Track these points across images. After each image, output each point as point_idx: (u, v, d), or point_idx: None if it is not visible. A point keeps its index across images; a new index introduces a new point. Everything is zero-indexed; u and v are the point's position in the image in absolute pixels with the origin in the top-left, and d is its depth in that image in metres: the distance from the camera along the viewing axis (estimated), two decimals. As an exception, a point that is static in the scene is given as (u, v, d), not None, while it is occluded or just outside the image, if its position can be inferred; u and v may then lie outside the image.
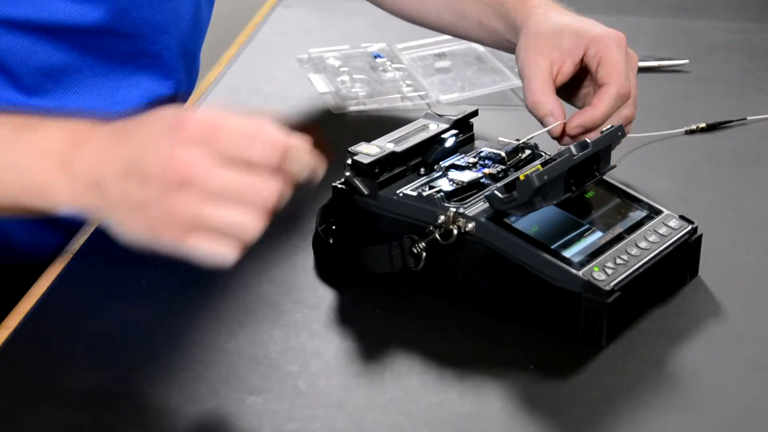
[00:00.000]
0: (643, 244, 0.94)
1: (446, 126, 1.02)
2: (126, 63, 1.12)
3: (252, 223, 0.81)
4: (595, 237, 0.94)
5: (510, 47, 1.18)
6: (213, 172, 0.80)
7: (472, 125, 1.05)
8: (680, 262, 0.96)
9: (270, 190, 0.81)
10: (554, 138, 1.08)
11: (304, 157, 0.83)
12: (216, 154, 0.80)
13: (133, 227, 0.83)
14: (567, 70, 1.10)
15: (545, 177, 0.89)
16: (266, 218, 0.82)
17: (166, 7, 1.12)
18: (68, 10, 1.05)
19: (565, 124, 1.07)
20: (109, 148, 0.83)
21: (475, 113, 1.05)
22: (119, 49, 1.10)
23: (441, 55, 1.42)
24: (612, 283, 0.89)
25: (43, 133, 0.85)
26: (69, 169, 0.84)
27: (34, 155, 0.85)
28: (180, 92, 1.19)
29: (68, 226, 1.08)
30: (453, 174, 0.97)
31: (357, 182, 0.95)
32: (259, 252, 1.01)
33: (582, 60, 1.10)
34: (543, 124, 1.08)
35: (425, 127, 1.01)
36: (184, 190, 0.80)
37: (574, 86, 1.12)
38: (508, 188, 0.91)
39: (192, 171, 0.80)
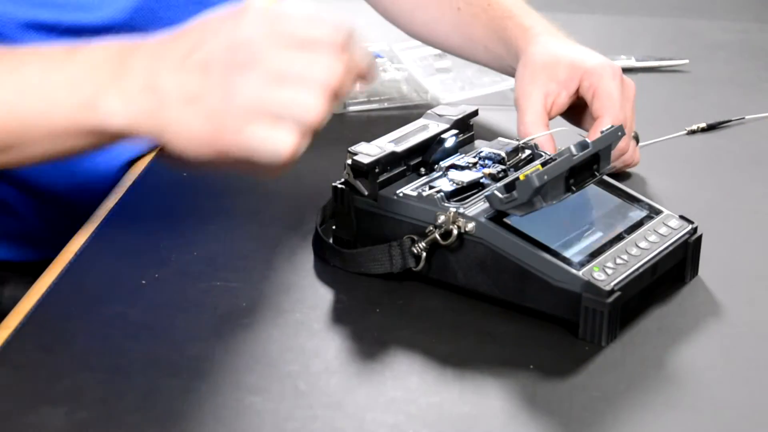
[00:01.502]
0: (643, 244, 0.94)
1: (446, 126, 1.02)
2: None
3: (315, 104, 0.80)
4: (595, 237, 0.94)
5: (514, 73, 1.18)
6: (274, 51, 0.79)
7: (472, 125, 1.05)
8: (680, 262, 0.96)
9: (333, 69, 0.80)
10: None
11: (363, 58, 0.82)
12: (278, 34, 0.79)
13: (190, 125, 0.81)
14: (562, 101, 1.11)
15: (545, 177, 0.89)
16: (329, 100, 0.80)
17: (194, 9, 1.12)
18: (96, 12, 1.05)
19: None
20: (165, 44, 0.82)
21: (475, 113, 1.05)
22: None
23: (441, 55, 1.42)
24: (612, 283, 0.89)
25: (97, 45, 0.84)
26: (121, 72, 0.82)
27: (87, 66, 0.84)
28: None
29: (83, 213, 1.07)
30: (453, 174, 0.97)
31: (357, 182, 0.95)
32: (259, 252, 1.01)
33: (577, 91, 1.10)
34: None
35: (425, 127, 1.01)
36: (245, 73, 0.79)
37: (579, 113, 1.13)
38: (508, 188, 0.91)
39: (253, 50, 0.79)
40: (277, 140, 0.80)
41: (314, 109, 0.80)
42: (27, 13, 1.04)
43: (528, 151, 1.02)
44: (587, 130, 1.13)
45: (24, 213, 1.14)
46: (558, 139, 1.08)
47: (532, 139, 1.03)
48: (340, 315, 0.93)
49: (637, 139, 1.13)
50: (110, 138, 0.85)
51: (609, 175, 0.99)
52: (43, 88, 0.84)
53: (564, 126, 1.09)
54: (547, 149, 1.06)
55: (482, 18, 1.22)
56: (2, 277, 1.12)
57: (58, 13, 1.04)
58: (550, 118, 1.11)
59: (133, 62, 0.82)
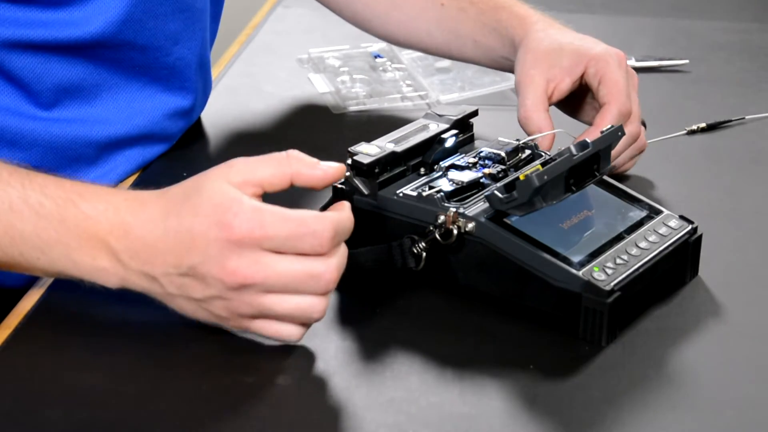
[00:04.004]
0: (643, 244, 0.94)
1: (446, 126, 1.02)
2: (140, 75, 1.12)
3: (317, 305, 0.84)
4: (595, 237, 0.93)
5: (506, 64, 1.18)
6: (269, 271, 0.82)
7: (472, 125, 1.05)
8: (680, 262, 0.96)
9: (329, 272, 0.83)
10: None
11: (349, 224, 0.85)
12: (268, 249, 0.82)
13: (196, 314, 0.86)
14: (564, 87, 1.10)
15: (545, 177, 0.89)
16: (329, 296, 0.85)
17: (180, 17, 1.12)
18: (84, 27, 1.05)
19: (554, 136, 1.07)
20: (156, 243, 0.84)
21: (475, 113, 1.05)
22: (134, 62, 1.11)
23: (441, 55, 1.42)
24: (612, 283, 0.89)
25: (85, 212, 0.86)
26: (118, 258, 0.85)
27: (80, 237, 0.86)
28: (196, 103, 1.19)
29: None
30: (453, 174, 0.97)
31: (357, 182, 0.95)
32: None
33: (582, 78, 1.10)
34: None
35: (425, 127, 1.01)
36: (244, 290, 0.83)
37: (578, 102, 1.13)
38: (508, 188, 0.91)
39: (249, 275, 0.82)
40: (284, 332, 0.86)
41: (317, 311, 0.85)
42: (15, 33, 1.04)
43: (528, 151, 1.02)
44: (584, 120, 1.13)
45: None
46: (557, 140, 1.08)
47: (534, 139, 1.03)
48: (340, 315, 0.93)
49: (644, 124, 1.13)
50: None
51: (609, 174, 0.99)
52: (37, 242, 0.86)
53: (562, 127, 1.08)
54: (546, 137, 1.06)
55: (470, 12, 1.21)
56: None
57: (47, 30, 1.04)
58: (551, 104, 1.10)
59: (127, 255, 0.85)
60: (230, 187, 0.83)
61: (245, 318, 0.85)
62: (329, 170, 0.86)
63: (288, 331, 0.85)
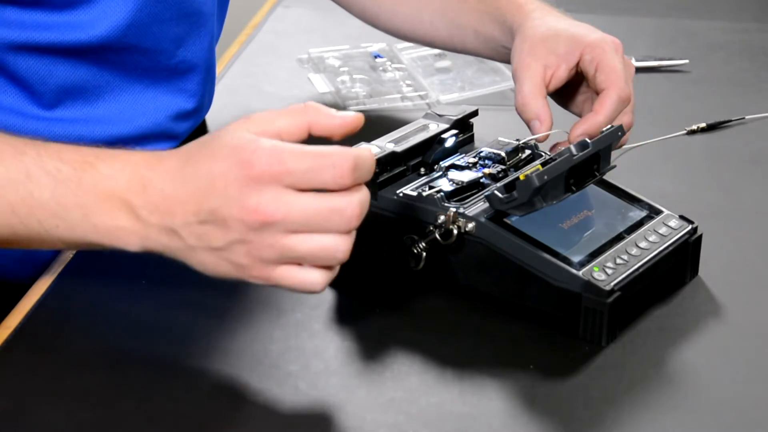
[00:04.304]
0: (643, 244, 0.94)
1: (446, 126, 1.02)
2: (143, 77, 1.12)
3: (341, 245, 0.81)
4: (595, 237, 0.93)
5: (506, 55, 1.17)
6: (291, 208, 0.80)
7: (472, 125, 1.05)
8: (680, 262, 0.96)
9: (351, 208, 0.81)
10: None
11: (370, 162, 0.83)
12: (289, 186, 0.80)
13: (216, 266, 0.83)
14: (561, 74, 1.09)
15: (545, 177, 0.89)
16: (353, 235, 0.82)
17: (185, 21, 1.12)
18: (89, 31, 1.05)
19: (552, 132, 1.06)
20: (175, 192, 0.82)
21: (475, 113, 1.05)
22: (137, 64, 1.11)
23: (441, 55, 1.42)
24: (612, 283, 0.89)
25: (102, 172, 0.84)
26: (137, 214, 0.83)
27: (98, 197, 0.84)
28: (201, 104, 1.19)
29: None
30: (453, 174, 0.97)
31: (357, 182, 0.95)
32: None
33: (577, 66, 1.09)
34: (529, 127, 1.07)
35: (425, 127, 1.01)
36: (266, 230, 0.80)
37: (571, 92, 1.12)
38: (508, 188, 0.91)
39: (270, 212, 0.80)
40: (307, 280, 0.82)
41: (341, 250, 0.82)
42: (20, 35, 1.04)
43: (528, 151, 1.02)
44: (575, 112, 1.12)
45: None
46: (557, 140, 1.08)
47: (532, 139, 1.03)
48: (340, 315, 0.93)
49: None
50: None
51: (609, 174, 0.99)
52: (55, 208, 0.85)
53: (560, 128, 1.08)
54: (544, 121, 1.05)
55: (471, 2, 1.21)
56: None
57: (52, 33, 1.05)
58: (549, 92, 1.09)
59: (146, 208, 0.83)
60: (248, 133, 0.82)
61: (267, 265, 0.82)
62: (347, 118, 0.84)
63: (311, 278, 0.82)
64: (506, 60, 1.18)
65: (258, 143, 0.80)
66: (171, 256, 0.84)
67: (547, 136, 1.05)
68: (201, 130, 1.24)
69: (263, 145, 0.80)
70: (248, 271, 0.82)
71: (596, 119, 1.04)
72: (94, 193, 0.84)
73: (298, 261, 0.81)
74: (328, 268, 0.82)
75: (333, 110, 0.84)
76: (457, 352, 0.88)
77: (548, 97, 1.09)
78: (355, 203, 0.81)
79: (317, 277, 0.82)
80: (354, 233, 0.82)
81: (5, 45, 1.04)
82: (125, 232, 0.84)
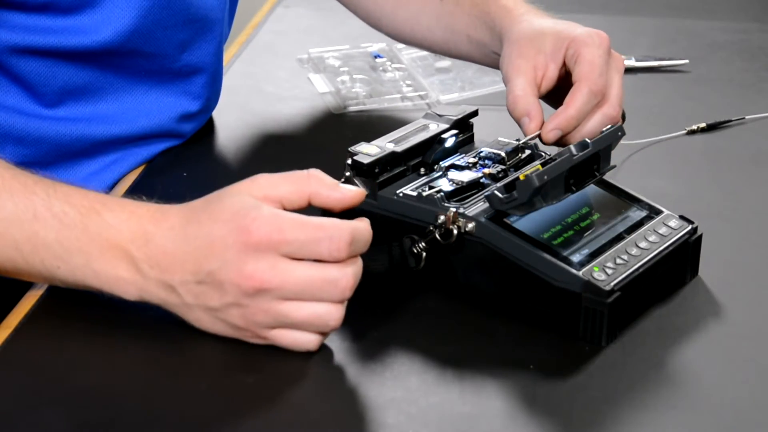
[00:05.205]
0: (643, 244, 0.94)
1: (446, 126, 1.02)
2: (146, 79, 1.13)
3: (334, 313, 0.84)
4: (595, 237, 0.94)
5: (497, 60, 1.16)
6: (287, 276, 0.83)
7: (472, 125, 1.05)
8: (680, 262, 0.96)
9: (345, 279, 0.84)
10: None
11: (367, 235, 0.85)
12: (286, 255, 0.82)
13: (213, 326, 0.86)
14: (551, 74, 1.08)
15: (545, 177, 0.89)
16: (345, 304, 0.85)
17: (190, 27, 1.12)
18: (93, 36, 1.06)
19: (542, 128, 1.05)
20: (176, 250, 0.84)
21: (475, 113, 1.05)
22: (141, 67, 1.11)
23: (441, 55, 1.42)
24: (612, 283, 0.89)
25: (107, 221, 0.86)
26: (137, 267, 0.85)
27: (101, 245, 0.86)
28: (206, 106, 1.20)
29: None
30: (453, 174, 0.97)
31: (357, 182, 0.95)
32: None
33: (565, 63, 1.08)
34: (520, 125, 1.06)
35: (425, 127, 1.01)
36: (261, 296, 0.83)
37: (564, 93, 1.11)
38: (508, 188, 0.91)
39: (266, 279, 0.82)
40: (301, 341, 0.85)
41: (333, 318, 0.85)
42: (25, 39, 1.04)
43: (528, 151, 1.02)
44: None
45: None
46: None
47: (532, 139, 1.03)
48: (340, 315, 0.93)
49: (623, 117, 1.10)
50: None
51: (609, 174, 0.99)
52: (58, 250, 0.87)
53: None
54: (533, 118, 1.04)
55: (465, 5, 1.20)
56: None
57: (57, 38, 1.05)
58: (541, 94, 1.08)
59: (147, 263, 0.85)
60: (251, 198, 0.84)
61: (262, 328, 0.85)
62: (348, 193, 0.86)
63: (305, 340, 0.85)
64: (498, 66, 1.17)
65: (259, 211, 0.83)
66: (168, 310, 0.87)
67: (539, 134, 1.05)
68: (207, 129, 1.24)
69: (263, 213, 0.83)
70: (243, 333, 0.85)
71: (567, 113, 1.04)
72: (98, 241, 0.86)
73: (292, 326, 0.84)
74: (322, 332, 0.86)
75: (334, 182, 0.87)
76: (457, 352, 0.88)
77: (543, 102, 1.09)
78: (350, 275, 0.84)
79: (311, 339, 0.85)
80: (346, 302, 0.85)
81: (8, 48, 1.05)
82: (124, 282, 0.86)
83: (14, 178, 0.89)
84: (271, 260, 0.82)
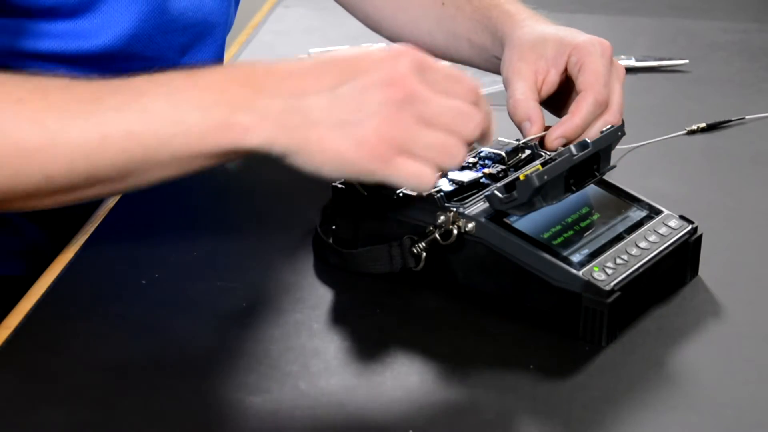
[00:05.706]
0: (643, 244, 0.94)
1: (446, 126, 1.01)
2: None
3: (458, 152, 0.85)
4: (595, 237, 0.94)
5: (498, 65, 1.16)
6: (429, 94, 0.84)
7: (472, 125, 1.04)
8: (680, 262, 0.96)
9: (476, 121, 0.86)
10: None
11: (489, 108, 0.88)
12: (429, 80, 0.84)
13: (337, 146, 0.83)
14: (552, 79, 1.08)
15: (545, 177, 0.89)
16: (467, 149, 0.86)
17: (190, 31, 1.12)
18: (94, 40, 1.06)
19: (545, 133, 1.05)
20: (307, 72, 0.84)
21: (475, 113, 1.05)
22: (140, 70, 1.11)
23: (441, 55, 1.42)
24: (612, 283, 0.89)
25: (213, 70, 0.86)
26: (257, 93, 0.83)
27: (215, 90, 0.84)
28: None
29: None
30: (453, 174, 0.97)
31: (357, 182, 0.95)
32: (259, 252, 1.01)
33: (566, 69, 1.08)
34: (520, 129, 1.06)
35: (425, 127, 1.01)
36: (402, 107, 0.83)
37: (564, 99, 1.11)
38: (508, 188, 0.91)
39: (415, 88, 0.83)
40: (422, 175, 0.85)
41: (456, 155, 0.85)
42: (26, 43, 1.04)
43: (528, 151, 1.02)
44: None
45: (26, 227, 1.15)
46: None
47: (532, 139, 1.03)
48: (340, 315, 0.93)
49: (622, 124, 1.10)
50: (237, 156, 0.86)
51: (609, 174, 0.99)
52: (172, 114, 0.84)
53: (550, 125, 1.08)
54: (534, 122, 1.04)
55: (466, 10, 1.21)
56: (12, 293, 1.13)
57: (58, 42, 1.05)
58: (542, 99, 1.08)
59: (269, 85, 0.84)
60: None
61: (390, 148, 0.83)
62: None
63: (424, 173, 0.84)
64: (499, 70, 1.17)
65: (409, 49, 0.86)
66: (282, 151, 0.84)
67: (539, 138, 1.05)
68: None
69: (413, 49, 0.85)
70: (369, 150, 0.83)
71: (573, 121, 1.04)
72: (211, 86, 0.84)
73: (418, 154, 0.84)
74: (440, 168, 0.86)
75: None
76: (457, 352, 0.88)
77: (543, 108, 1.09)
78: (482, 114, 0.86)
79: (428, 174, 0.85)
80: (467, 149, 0.86)
81: (7, 51, 1.05)
82: (245, 116, 0.83)
83: (105, 80, 0.87)
84: (419, 76, 0.84)
